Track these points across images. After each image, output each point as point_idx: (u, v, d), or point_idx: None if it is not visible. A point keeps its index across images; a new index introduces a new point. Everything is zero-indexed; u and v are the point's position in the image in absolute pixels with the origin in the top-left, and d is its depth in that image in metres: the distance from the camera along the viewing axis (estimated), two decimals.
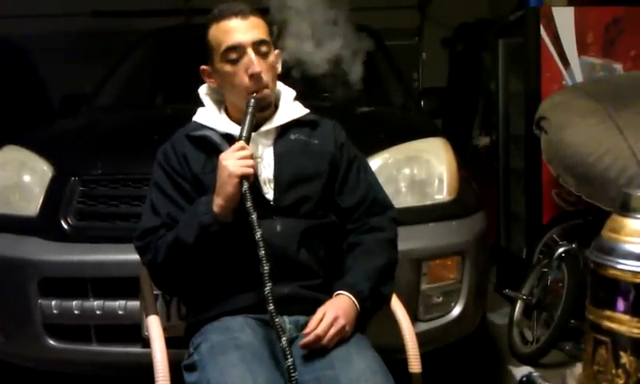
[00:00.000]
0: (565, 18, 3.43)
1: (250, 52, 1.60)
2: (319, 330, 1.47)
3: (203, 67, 1.72)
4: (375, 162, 2.24)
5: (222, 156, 1.52)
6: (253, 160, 1.53)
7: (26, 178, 2.36)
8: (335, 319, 1.49)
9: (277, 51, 1.72)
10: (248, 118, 1.56)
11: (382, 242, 1.68)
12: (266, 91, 1.63)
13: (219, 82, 1.68)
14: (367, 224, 1.70)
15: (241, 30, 1.61)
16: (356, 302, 1.56)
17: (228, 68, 1.62)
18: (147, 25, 4.71)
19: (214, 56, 1.65)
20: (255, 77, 1.59)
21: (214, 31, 1.64)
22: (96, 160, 2.31)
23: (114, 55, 3.66)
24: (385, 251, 1.68)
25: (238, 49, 1.60)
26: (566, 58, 3.43)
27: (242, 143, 1.53)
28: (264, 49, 1.63)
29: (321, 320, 1.49)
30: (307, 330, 1.48)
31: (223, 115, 1.72)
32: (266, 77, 1.62)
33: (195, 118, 1.74)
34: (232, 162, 1.49)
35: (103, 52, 4.48)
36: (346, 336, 1.52)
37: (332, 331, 1.48)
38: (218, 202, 1.51)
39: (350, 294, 1.57)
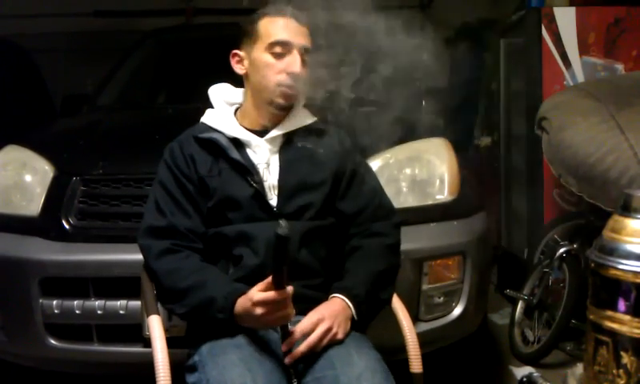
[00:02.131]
0: (566, 18, 3.42)
1: (297, 53, 1.64)
2: (300, 327, 1.47)
3: (235, 51, 1.73)
4: (376, 163, 2.25)
5: (258, 310, 1.42)
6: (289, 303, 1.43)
7: (28, 178, 2.36)
8: (320, 321, 1.49)
9: None
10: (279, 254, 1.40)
11: (383, 247, 1.68)
12: (296, 95, 1.67)
13: (250, 69, 1.70)
14: (369, 229, 1.69)
15: (295, 31, 1.66)
16: (351, 306, 1.55)
17: (270, 59, 1.65)
18: (149, 25, 4.72)
19: (255, 44, 1.68)
20: (294, 77, 1.62)
21: (267, 22, 1.67)
22: (97, 160, 2.31)
23: (116, 55, 3.66)
24: (385, 256, 1.67)
25: (286, 46, 1.64)
26: (568, 58, 3.43)
27: (283, 293, 1.40)
28: (305, 58, 1.67)
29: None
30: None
31: (232, 119, 1.73)
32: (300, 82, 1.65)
33: (203, 120, 1.74)
34: (270, 317, 1.42)
35: (105, 52, 4.48)
36: (337, 338, 1.50)
37: (317, 332, 1.47)
38: (239, 322, 1.48)
39: (345, 297, 1.56)
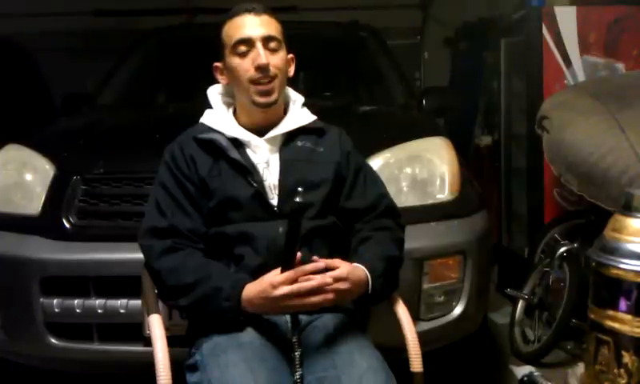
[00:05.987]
0: (567, 18, 3.42)
1: (259, 46, 1.62)
2: (327, 263, 1.46)
3: (216, 64, 1.73)
4: (377, 162, 2.24)
5: (277, 292, 1.43)
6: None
7: (28, 177, 2.36)
8: (343, 280, 1.47)
9: (290, 56, 1.74)
10: (290, 238, 1.44)
11: (395, 239, 1.69)
12: (273, 84, 1.64)
13: (229, 78, 1.70)
14: (379, 223, 1.70)
15: (252, 25, 1.64)
16: (369, 278, 1.54)
17: (236, 61, 1.64)
18: (149, 24, 4.71)
19: (225, 51, 1.67)
20: (261, 68, 1.61)
21: (227, 27, 1.67)
22: (98, 159, 2.31)
23: (116, 54, 3.66)
24: (397, 247, 1.68)
25: (248, 42, 1.63)
26: (568, 57, 3.43)
27: (299, 272, 1.44)
28: (273, 45, 1.65)
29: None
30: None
31: (231, 119, 1.73)
32: (273, 70, 1.63)
33: (203, 120, 1.74)
34: (286, 303, 1.44)
35: (105, 51, 4.48)
36: (333, 302, 1.48)
37: (334, 286, 1.45)
38: (248, 307, 1.48)
39: (366, 268, 1.54)
